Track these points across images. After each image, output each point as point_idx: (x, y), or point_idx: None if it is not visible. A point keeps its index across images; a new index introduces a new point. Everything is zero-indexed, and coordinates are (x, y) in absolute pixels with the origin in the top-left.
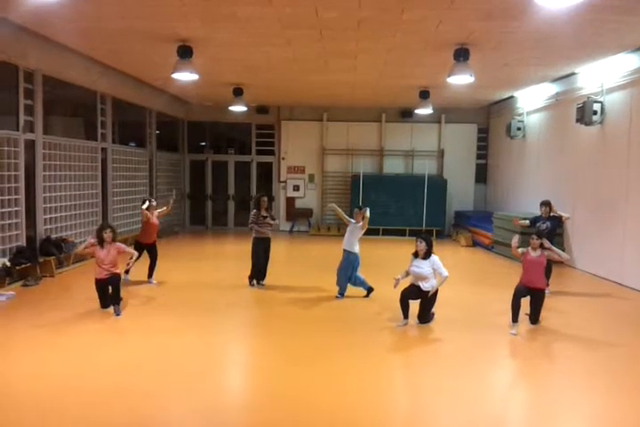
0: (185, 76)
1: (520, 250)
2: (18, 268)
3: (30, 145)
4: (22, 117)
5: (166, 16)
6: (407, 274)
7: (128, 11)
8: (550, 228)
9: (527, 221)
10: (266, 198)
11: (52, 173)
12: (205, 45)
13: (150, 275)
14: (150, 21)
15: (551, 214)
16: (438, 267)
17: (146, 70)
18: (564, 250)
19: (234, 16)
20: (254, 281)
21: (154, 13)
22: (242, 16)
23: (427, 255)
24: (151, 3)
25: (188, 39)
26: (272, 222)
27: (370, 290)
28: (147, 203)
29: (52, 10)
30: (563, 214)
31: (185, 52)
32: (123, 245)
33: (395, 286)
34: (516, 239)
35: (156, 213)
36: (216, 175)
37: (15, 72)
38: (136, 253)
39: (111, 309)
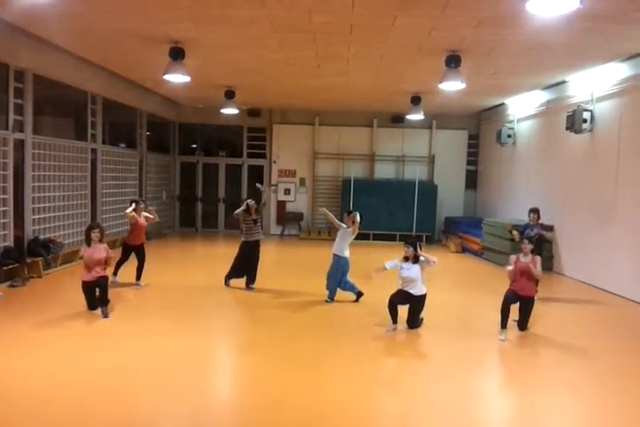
0: (176, 78)
1: (512, 257)
2: (5, 268)
3: (19, 145)
4: (12, 117)
5: (158, 17)
6: (383, 269)
7: (120, 12)
8: (538, 235)
9: (518, 234)
10: (254, 203)
11: (42, 173)
12: (197, 47)
13: (138, 277)
14: (142, 22)
15: (539, 221)
16: (426, 257)
17: (137, 71)
18: (552, 257)
19: (226, 18)
20: (230, 281)
21: (146, 14)
22: (234, 18)
23: (416, 260)
24: (143, 4)
25: (180, 41)
26: (260, 230)
27: (359, 295)
28: (133, 205)
29: (44, 9)
30: (544, 234)
31: (177, 54)
32: (109, 249)
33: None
34: (510, 264)
35: (143, 214)
36: (207, 178)
37: (5, 71)
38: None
39: (99, 310)
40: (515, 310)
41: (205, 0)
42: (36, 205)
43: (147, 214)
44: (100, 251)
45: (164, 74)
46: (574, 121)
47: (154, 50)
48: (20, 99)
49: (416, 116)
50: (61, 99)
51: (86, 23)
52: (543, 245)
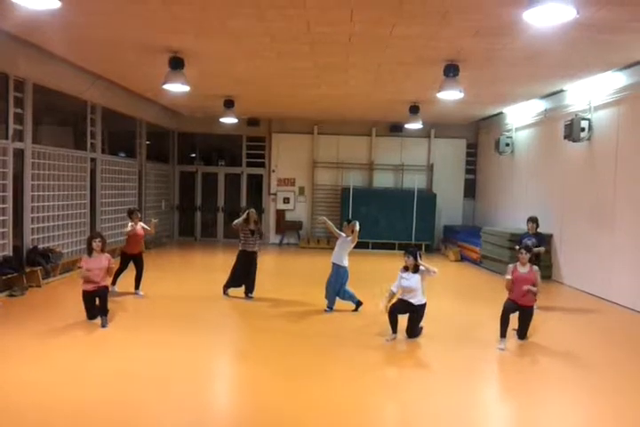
0: (176, 88)
1: (509, 266)
2: (4, 278)
3: (19, 154)
4: (11, 126)
5: (158, 27)
6: (392, 294)
7: (119, 22)
8: (536, 244)
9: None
10: (254, 211)
11: (41, 182)
12: (197, 57)
13: (137, 286)
14: (142, 32)
15: (537, 231)
16: (426, 267)
17: (137, 81)
18: (550, 266)
19: (225, 29)
20: (228, 290)
21: (145, 25)
22: (233, 29)
23: (416, 269)
24: (143, 14)
25: (180, 50)
26: (257, 241)
27: (359, 304)
28: (130, 225)
29: (43, 19)
30: (539, 249)
31: (176, 64)
32: (111, 259)
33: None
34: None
35: (140, 224)
36: (206, 187)
37: (5, 80)
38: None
39: (98, 320)
40: (514, 319)
41: (205, 11)
42: (36, 215)
43: (143, 225)
44: (100, 260)
45: (163, 83)
46: (572, 130)
47: (153, 59)
48: (20, 108)
49: (414, 126)
50: (61, 108)
51: (85, 33)
52: (540, 254)
